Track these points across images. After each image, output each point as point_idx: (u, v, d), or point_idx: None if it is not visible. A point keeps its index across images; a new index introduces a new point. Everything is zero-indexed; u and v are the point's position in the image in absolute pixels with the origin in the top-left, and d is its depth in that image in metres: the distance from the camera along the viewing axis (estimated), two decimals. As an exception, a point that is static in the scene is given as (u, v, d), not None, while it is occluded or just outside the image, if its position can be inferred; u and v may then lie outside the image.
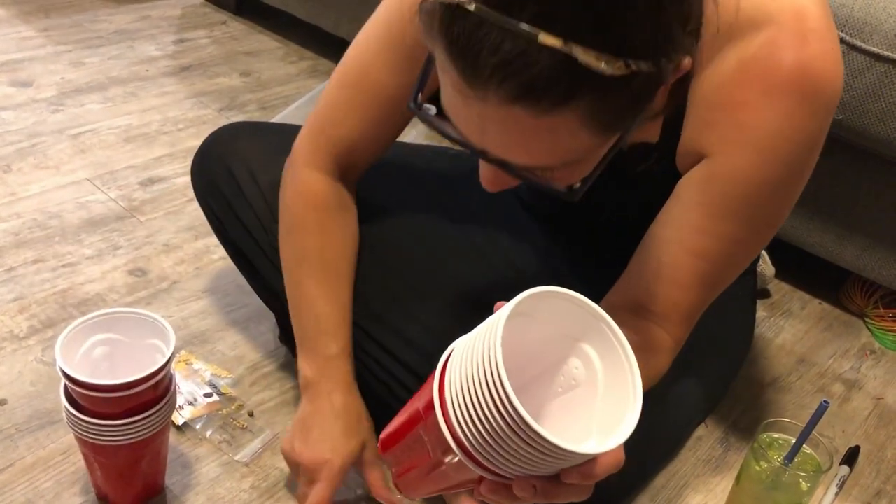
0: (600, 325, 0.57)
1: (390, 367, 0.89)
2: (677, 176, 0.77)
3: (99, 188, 1.44)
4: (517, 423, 0.50)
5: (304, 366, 0.89)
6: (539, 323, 0.57)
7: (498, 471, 0.54)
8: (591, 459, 0.54)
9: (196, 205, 1.06)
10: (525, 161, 0.59)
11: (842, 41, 1.10)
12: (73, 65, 1.87)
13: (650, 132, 0.79)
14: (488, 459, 0.53)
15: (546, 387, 0.60)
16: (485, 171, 0.64)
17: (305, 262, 0.90)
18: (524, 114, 0.54)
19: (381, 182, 0.98)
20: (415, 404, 0.59)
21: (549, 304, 0.56)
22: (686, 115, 0.75)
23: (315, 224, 0.89)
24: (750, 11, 0.68)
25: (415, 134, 1.48)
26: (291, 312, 0.91)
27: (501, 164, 0.59)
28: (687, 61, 0.59)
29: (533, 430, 0.49)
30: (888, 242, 1.25)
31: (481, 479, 0.57)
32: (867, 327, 1.35)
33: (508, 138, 0.57)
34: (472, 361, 0.52)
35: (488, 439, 0.52)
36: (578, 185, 0.63)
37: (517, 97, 0.53)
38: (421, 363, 0.87)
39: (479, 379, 0.51)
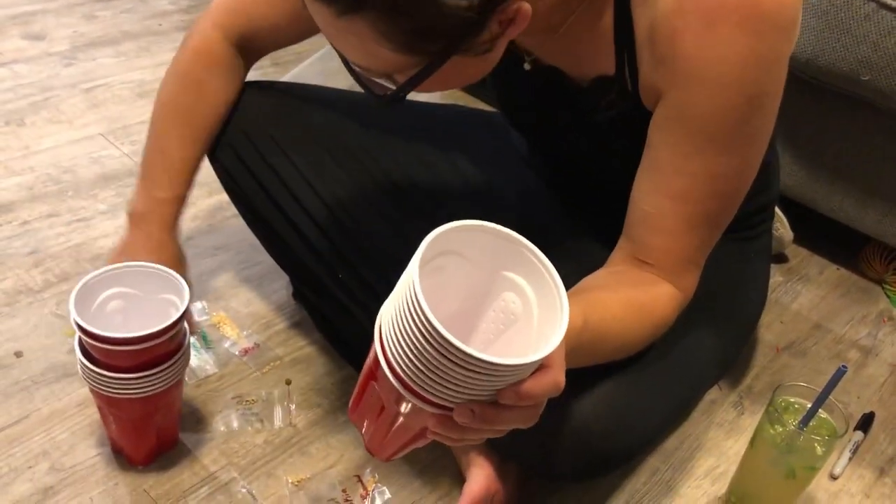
0: (521, 249, 0.57)
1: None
2: (647, 116, 0.75)
3: (112, 143, 1.44)
4: (430, 333, 0.51)
5: (137, 200, 0.94)
6: (473, 263, 0.58)
7: (437, 400, 0.55)
8: (524, 379, 0.55)
9: (208, 161, 1.05)
10: (346, 54, 0.64)
11: (871, -1, 1.07)
12: (86, 18, 1.85)
13: (604, 64, 0.77)
14: (422, 387, 0.54)
15: (489, 328, 0.61)
16: None
17: (176, 110, 0.95)
18: (325, 11, 0.59)
19: (388, 128, 1.00)
20: (366, 361, 0.60)
21: (470, 238, 0.57)
22: (636, 49, 0.73)
23: (197, 80, 0.95)
24: None
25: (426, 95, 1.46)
26: (145, 148, 0.96)
27: (338, 51, 0.64)
28: (517, 8, 0.61)
29: (444, 336, 0.50)
30: (910, 208, 1.23)
31: None
32: (885, 294, 1.34)
33: (324, 28, 0.62)
34: (398, 293, 0.55)
35: (416, 361, 0.53)
36: (388, 94, 0.66)
37: None
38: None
39: (403, 304, 0.53)
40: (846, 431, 0.84)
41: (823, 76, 1.16)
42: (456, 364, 0.52)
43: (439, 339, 0.51)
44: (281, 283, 1.17)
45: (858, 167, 1.26)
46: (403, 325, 0.53)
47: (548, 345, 0.53)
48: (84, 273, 1.02)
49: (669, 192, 0.74)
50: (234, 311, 1.12)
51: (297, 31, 0.94)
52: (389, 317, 0.55)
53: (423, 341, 0.52)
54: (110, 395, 0.80)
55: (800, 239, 1.38)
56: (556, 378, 0.56)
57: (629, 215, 0.78)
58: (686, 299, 0.79)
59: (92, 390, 0.83)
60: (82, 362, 0.80)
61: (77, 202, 1.28)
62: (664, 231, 0.76)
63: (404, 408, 0.58)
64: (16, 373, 0.99)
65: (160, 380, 0.81)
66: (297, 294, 1.13)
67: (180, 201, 0.95)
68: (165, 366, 0.81)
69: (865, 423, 1.08)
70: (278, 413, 0.98)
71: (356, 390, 0.62)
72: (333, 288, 0.93)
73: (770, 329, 1.23)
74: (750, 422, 1.06)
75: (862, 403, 1.12)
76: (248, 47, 0.96)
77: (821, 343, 1.22)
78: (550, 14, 0.68)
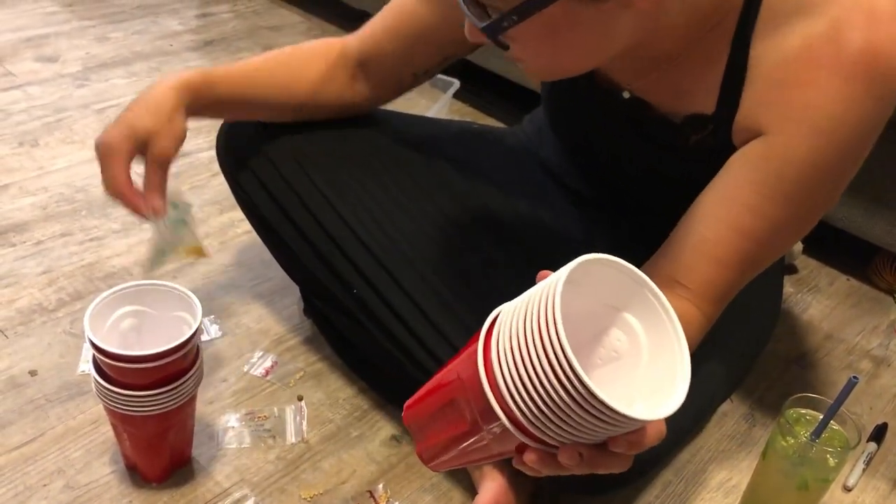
0: (644, 291, 0.55)
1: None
2: (728, 151, 0.75)
3: (124, 163, 1.45)
4: (578, 391, 0.48)
5: None
6: (582, 292, 0.55)
7: (547, 439, 0.53)
8: (640, 428, 0.54)
9: (221, 179, 1.06)
10: None
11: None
12: (98, 40, 1.88)
13: (703, 102, 0.77)
14: (539, 428, 0.52)
15: (585, 359, 0.58)
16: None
17: (257, 65, 0.93)
18: None
19: (403, 146, 1.00)
20: (452, 371, 0.57)
21: (594, 271, 0.54)
22: (744, 88, 0.74)
23: (301, 59, 0.94)
24: None
25: (437, 108, 1.48)
26: None
27: None
28: None
29: (596, 397, 0.48)
30: (920, 217, 1.23)
31: (520, 449, 0.56)
32: (896, 304, 1.34)
33: None
34: (524, 328, 0.51)
35: (543, 408, 0.50)
36: (489, 23, 0.65)
37: None
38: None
39: (535, 346, 0.50)
40: (859, 443, 0.84)
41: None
42: (589, 413, 0.49)
43: (584, 392, 0.48)
44: (292, 300, 1.18)
45: (868, 178, 1.24)
46: (532, 360, 0.50)
47: (672, 400, 0.52)
48: (97, 292, 1.03)
49: (736, 226, 0.74)
50: (246, 328, 1.13)
51: (418, 70, 0.96)
52: (509, 345, 0.52)
53: (558, 388, 0.49)
54: (124, 412, 0.81)
55: (809, 250, 1.38)
56: (661, 427, 0.56)
57: (680, 235, 0.78)
58: (708, 328, 0.80)
59: (106, 408, 0.83)
60: (97, 380, 0.81)
61: (90, 221, 1.30)
62: (715, 259, 0.76)
63: (492, 428, 0.54)
64: (30, 391, 1.00)
65: (174, 397, 0.81)
66: (309, 310, 1.13)
67: (203, 77, 0.87)
68: (179, 383, 0.81)
69: (878, 434, 1.07)
70: (290, 429, 0.99)
71: (423, 392, 0.59)
72: (348, 302, 0.94)
73: (781, 340, 1.23)
74: (762, 434, 1.06)
75: (874, 414, 1.12)
76: (366, 67, 0.95)
77: (832, 354, 1.22)
78: (668, 38, 0.67)
